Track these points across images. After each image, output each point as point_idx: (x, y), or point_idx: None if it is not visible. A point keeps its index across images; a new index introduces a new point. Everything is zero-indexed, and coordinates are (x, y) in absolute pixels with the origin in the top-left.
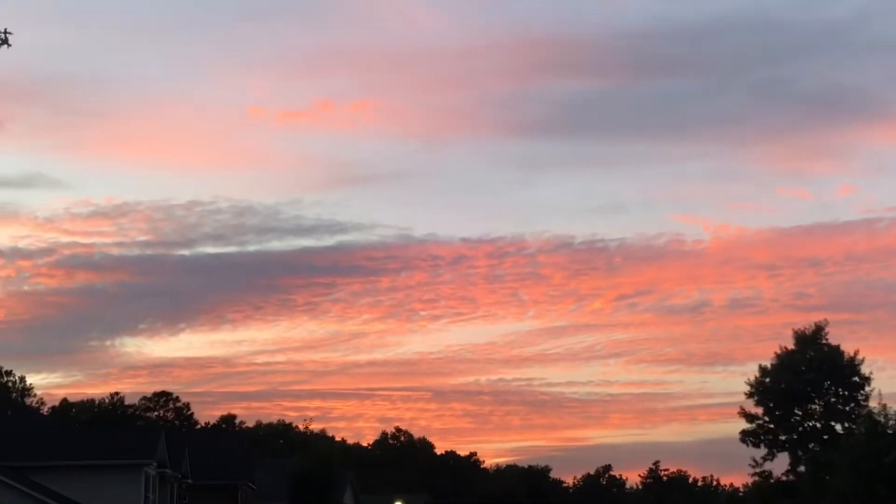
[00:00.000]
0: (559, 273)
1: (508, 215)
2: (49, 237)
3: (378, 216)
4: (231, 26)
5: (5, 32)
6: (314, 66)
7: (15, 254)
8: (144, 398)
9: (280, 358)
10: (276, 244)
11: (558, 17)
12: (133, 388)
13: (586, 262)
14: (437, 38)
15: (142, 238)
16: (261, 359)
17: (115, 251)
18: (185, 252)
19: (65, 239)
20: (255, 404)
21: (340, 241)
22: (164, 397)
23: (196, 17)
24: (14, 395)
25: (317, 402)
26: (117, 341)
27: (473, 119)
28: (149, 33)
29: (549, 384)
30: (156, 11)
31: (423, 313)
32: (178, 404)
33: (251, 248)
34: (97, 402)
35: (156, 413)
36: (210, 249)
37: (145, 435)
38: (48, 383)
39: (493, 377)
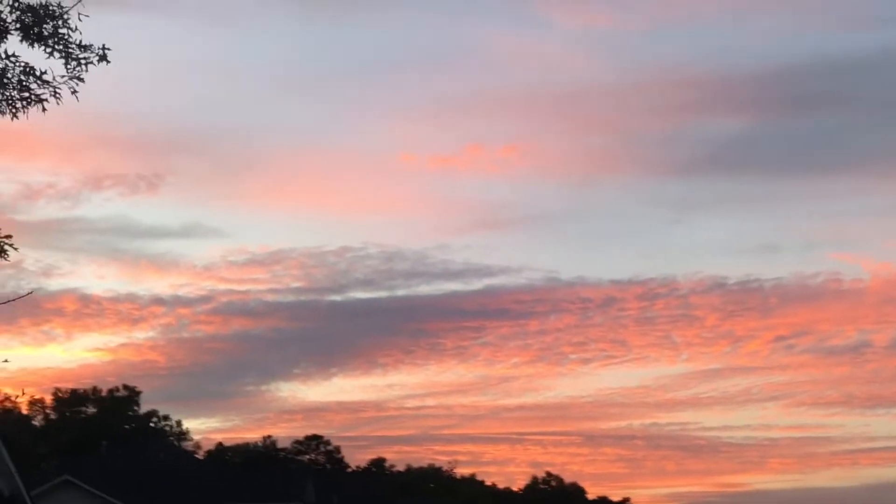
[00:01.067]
0: (713, 314)
1: (659, 256)
2: (207, 285)
3: (526, 259)
4: (381, 74)
5: (104, 48)
6: (464, 111)
7: (175, 301)
8: (296, 441)
9: (430, 402)
10: (424, 288)
11: (710, 54)
12: (288, 432)
13: (741, 302)
14: (585, 79)
15: (295, 284)
16: (411, 403)
17: (270, 297)
18: (337, 297)
19: (222, 286)
20: (405, 448)
21: (488, 284)
22: (315, 441)
23: (346, 66)
24: (171, 438)
25: (467, 447)
26: (272, 385)
27: (623, 160)
28: (300, 83)
29: (705, 428)
30: (307, 62)
31: (572, 356)
32: (329, 447)
33: (400, 292)
34: (251, 445)
35: (307, 456)
36: (360, 294)
37: (295, 478)
38: (207, 427)
39: (646, 421)
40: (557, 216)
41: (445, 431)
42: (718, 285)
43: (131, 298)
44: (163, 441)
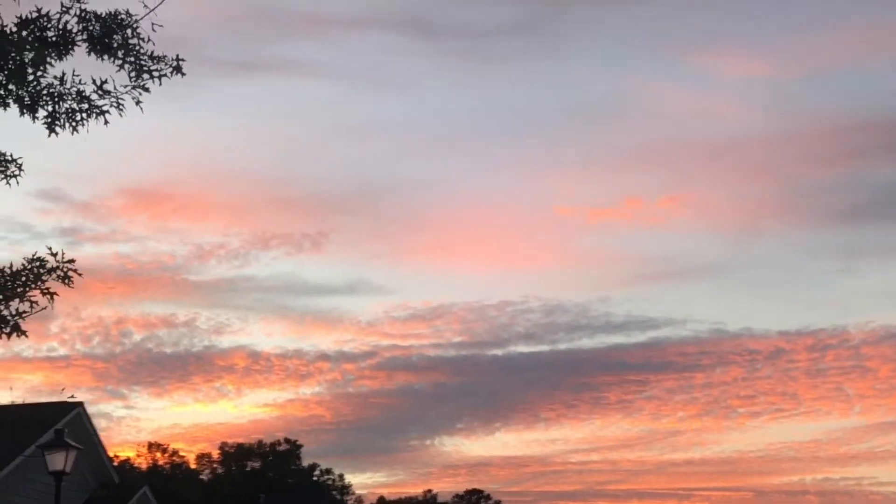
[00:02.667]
0: (887, 365)
1: (827, 306)
2: (371, 340)
3: (690, 311)
4: (537, 129)
5: (178, 59)
6: (620, 163)
7: (340, 357)
8: (457, 496)
9: (595, 457)
10: (586, 342)
11: (872, 99)
12: (452, 487)
13: None
14: (744, 127)
15: (456, 339)
16: (575, 458)
17: (432, 352)
18: (498, 352)
19: (385, 342)
20: None
21: (652, 337)
22: (475, 495)
23: (502, 123)
24: (334, 492)
25: (633, 502)
26: (436, 440)
27: (787, 208)
28: (458, 141)
29: (881, 483)
30: (464, 120)
31: (741, 410)
32: (490, 502)
33: (562, 346)
34: (413, 499)
35: None
36: (522, 349)
37: None
38: (374, 482)
39: (819, 476)
40: (720, 267)
41: (611, 487)
42: (891, 335)
43: (298, 355)
44: (324, 495)
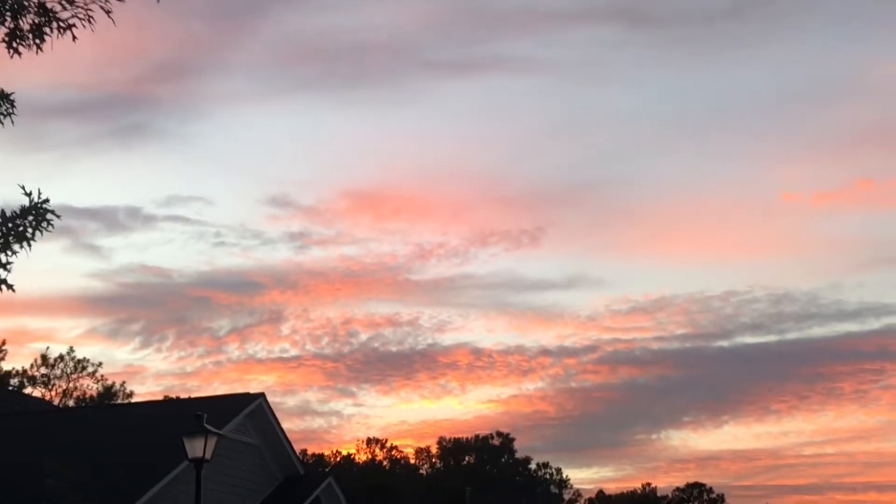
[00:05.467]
0: None
1: None
2: (592, 335)
3: None
4: (758, 114)
5: None
6: (849, 145)
7: (562, 352)
8: (677, 489)
9: (829, 449)
10: (817, 330)
11: None
12: (680, 481)
13: None
14: None
15: (680, 331)
16: (809, 450)
17: (655, 345)
18: (724, 343)
19: (606, 336)
20: (804, 497)
21: (887, 324)
22: (696, 489)
23: (721, 110)
24: (551, 487)
25: (871, 495)
26: (662, 434)
27: None
28: (677, 131)
29: None
30: (682, 110)
31: None
32: (712, 495)
33: (791, 335)
34: (631, 493)
35: None
36: (748, 339)
37: None
38: (600, 477)
39: None
40: None
41: (847, 480)
42: None
43: (520, 350)
44: (539, 488)
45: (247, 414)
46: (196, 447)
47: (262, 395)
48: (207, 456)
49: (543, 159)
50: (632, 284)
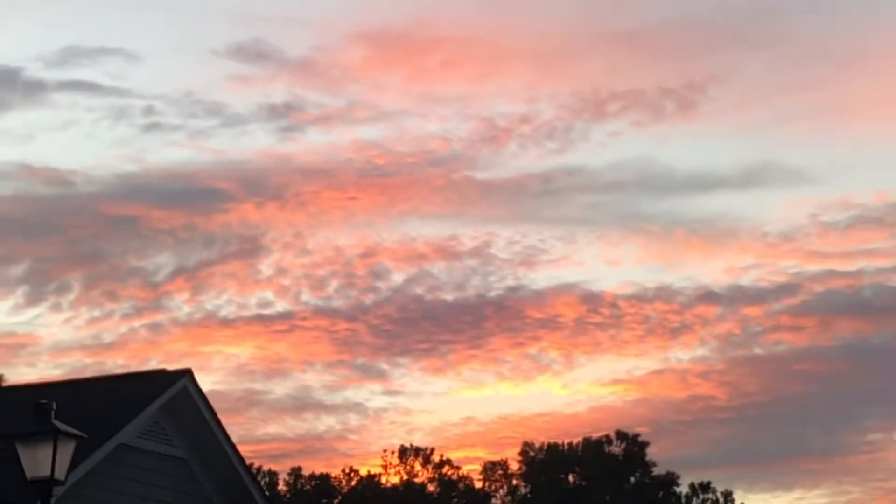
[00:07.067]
0: None
1: None
2: (788, 266)
3: None
4: None
5: None
6: None
7: (737, 296)
8: None
9: None
10: None
11: None
12: None
13: None
14: None
15: None
16: None
17: None
18: None
19: (813, 267)
20: None
21: None
22: None
23: None
24: None
25: None
26: None
27: None
28: None
29: None
30: None
31: None
32: None
33: None
34: None
35: None
36: None
37: None
38: None
39: None
40: None
41: None
42: None
43: (665, 295)
44: None
45: (163, 406)
46: (38, 461)
47: (187, 374)
48: (60, 475)
49: None
50: (855, 178)
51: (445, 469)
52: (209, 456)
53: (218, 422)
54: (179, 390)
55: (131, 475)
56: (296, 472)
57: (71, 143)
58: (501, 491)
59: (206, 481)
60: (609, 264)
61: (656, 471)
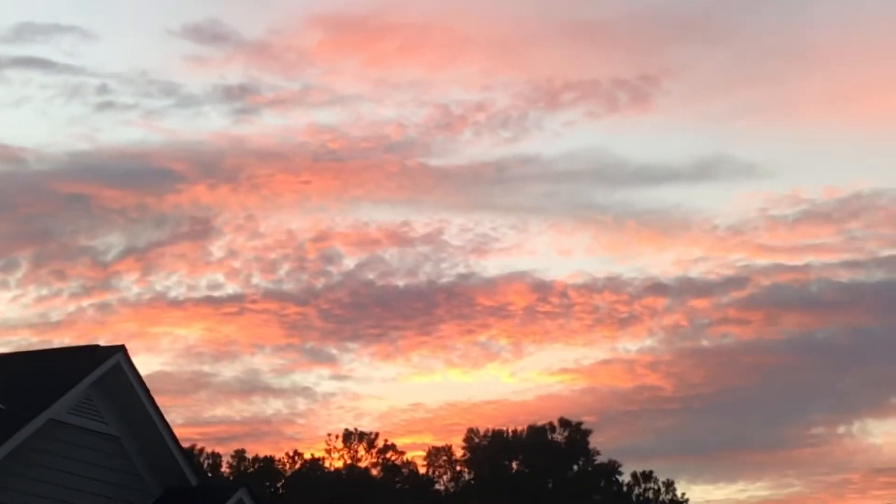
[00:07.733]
0: None
1: None
2: (736, 259)
3: None
4: None
5: None
6: None
7: (686, 288)
8: None
9: None
10: None
11: None
12: (887, 502)
13: None
14: None
15: (886, 252)
16: None
17: (844, 275)
18: None
19: (762, 261)
20: None
21: None
22: None
23: None
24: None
25: None
26: (856, 426)
27: None
28: None
29: None
30: None
31: None
32: None
33: None
34: None
35: None
36: None
37: None
38: (748, 498)
39: None
40: None
41: None
42: None
43: (614, 285)
44: None
45: (95, 382)
46: None
47: (120, 350)
48: None
49: None
50: (805, 173)
51: (389, 454)
52: (142, 434)
53: (152, 399)
54: (112, 366)
55: (61, 451)
56: (239, 455)
57: (23, 120)
58: (445, 477)
59: (139, 459)
60: (560, 254)
61: (599, 459)
